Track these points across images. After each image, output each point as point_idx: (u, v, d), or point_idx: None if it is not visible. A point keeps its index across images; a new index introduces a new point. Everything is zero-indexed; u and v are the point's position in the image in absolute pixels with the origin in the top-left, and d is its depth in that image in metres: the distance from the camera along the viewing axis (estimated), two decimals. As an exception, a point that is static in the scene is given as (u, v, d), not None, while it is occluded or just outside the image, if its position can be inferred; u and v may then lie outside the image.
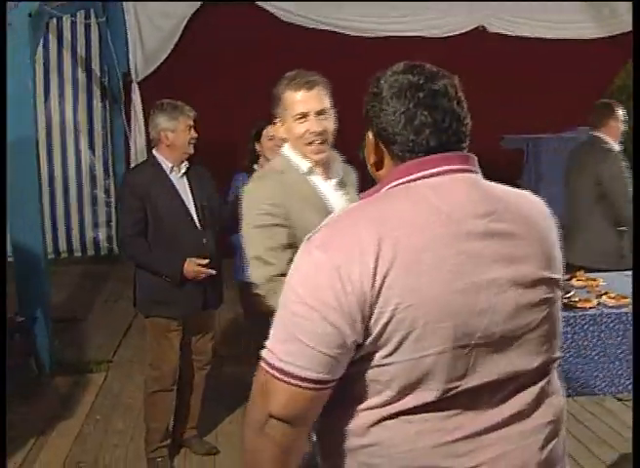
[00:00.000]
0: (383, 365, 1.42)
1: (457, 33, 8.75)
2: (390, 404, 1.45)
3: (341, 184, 2.81)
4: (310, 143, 2.68)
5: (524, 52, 8.63)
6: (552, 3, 8.90)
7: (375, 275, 1.36)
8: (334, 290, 1.38)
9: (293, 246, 2.46)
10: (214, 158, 4.91)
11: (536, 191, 1.68)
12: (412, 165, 1.50)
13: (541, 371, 1.53)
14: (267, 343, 1.48)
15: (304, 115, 2.68)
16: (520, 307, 1.47)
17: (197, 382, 4.22)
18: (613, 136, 5.19)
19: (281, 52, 8.21)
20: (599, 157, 5.18)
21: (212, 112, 7.82)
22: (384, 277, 1.36)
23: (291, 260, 1.51)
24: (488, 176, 1.56)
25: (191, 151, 3.98)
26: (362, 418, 1.48)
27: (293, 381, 1.42)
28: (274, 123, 2.83)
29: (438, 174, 1.49)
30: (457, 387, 1.43)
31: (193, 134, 3.95)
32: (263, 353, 1.48)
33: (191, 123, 3.95)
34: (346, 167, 2.93)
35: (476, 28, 8.88)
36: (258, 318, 4.48)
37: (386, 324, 1.38)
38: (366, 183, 4.87)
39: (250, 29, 8.18)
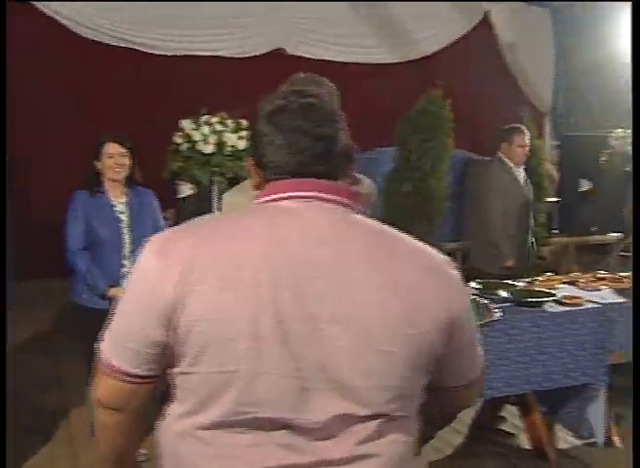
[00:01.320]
0: (187, 373, 1.43)
1: (255, 54, 8.82)
2: (190, 415, 1.46)
3: None
4: None
5: (323, 75, 8.80)
6: (349, 28, 9.21)
7: (181, 283, 1.38)
8: (146, 291, 1.42)
9: None
10: None
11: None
12: (272, 186, 1.51)
13: (369, 422, 1.45)
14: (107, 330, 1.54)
15: None
16: (339, 349, 1.39)
17: None
18: (508, 157, 5.86)
19: (84, 69, 7.93)
20: (483, 172, 5.95)
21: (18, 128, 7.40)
22: (191, 287, 1.38)
23: None
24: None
25: None
26: (172, 425, 1.50)
27: (109, 371, 1.49)
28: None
29: (289, 198, 1.48)
30: (253, 413, 1.41)
31: None
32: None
33: None
34: (364, 183, 2.67)
35: (275, 50, 8.99)
36: (92, 341, 4.32)
37: (186, 334, 1.39)
38: (163, 202, 4.79)
39: (50, 46, 7.82)
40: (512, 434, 4.76)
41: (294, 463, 1.42)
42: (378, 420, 1.45)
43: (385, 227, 1.56)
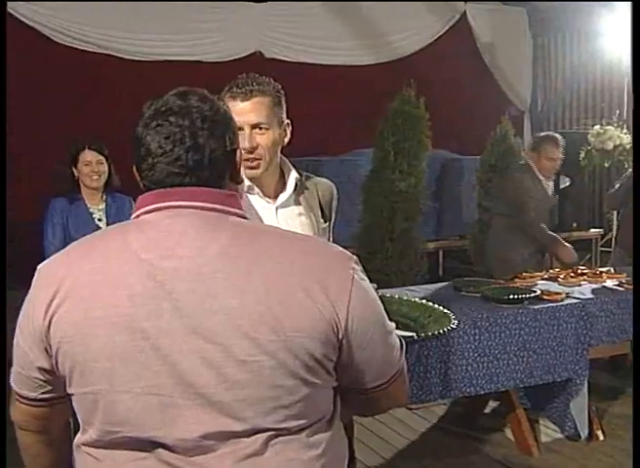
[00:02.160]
0: (71, 394, 1.45)
1: (233, 58, 8.79)
2: (81, 433, 1.48)
3: (289, 204, 2.48)
4: (246, 160, 2.34)
5: (301, 77, 8.83)
6: (325, 30, 9.22)
7: (49, 307, 1.39)
8: (26, 316, 1.45)
9: None
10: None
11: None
12: (140, 200, 1.48)
13: (250, 438, 1.39)
14: None
15: (239, 129, 2.34)
16: (201, 363, 1.34)
17: None
18: (536, 165, 5.62)
19: (58, 75, 7.87)
20: (511, 177, 5.81)
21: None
22: (56, 310, 1.39)
23: None
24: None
25: None
26: (75, 440, 1.51)
27: (15, 395, 1.54)
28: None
29: (154, 210, 1.44)
30: (122, 432, 1.39)
31: None
32: None
33: None
34: (319, 185, 2.61)
35: (253, 53, 8.97)
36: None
37: (57, 355, 1.41)
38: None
39: (23, 52, 7.75)
40: (498, 430, 4.76)
41: None
42: (261, 435, 1.39)
43: (269, 228, 1.53)
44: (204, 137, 1.44)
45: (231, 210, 1.46)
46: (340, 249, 1.49)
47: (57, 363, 1.41)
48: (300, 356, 1.36)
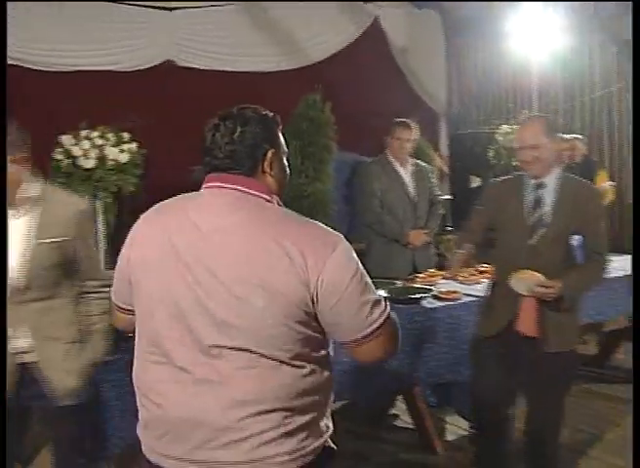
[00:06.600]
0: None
1: (144, 67, 8.68)
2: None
3: None
4: None
5: (213, 85, 8.76)
6: (236, 37, 9.17)
7: (129, 246, 2.07)
8: (121, 254, 2.11)
9: None
10: None
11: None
12: (205, 178, 2.05)
13: (237, 355, 1.86)
14: None
15: None
16: (213, 291, 1.86)
17: None
18: (391, 153, 5.77)
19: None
20: (362, 172, 5.97)
21: None
22: (132, 249, 2.05)
23: None
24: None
25: None
26: None
27: (114, 304, 2.24)
28: None
29: (207, 187, 2.03)
30: (157, 335, 1.95)
31: None
32: None
33: None
34: None
35: (164, 62, 8.88)
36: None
37: (130, 278, 2.04)
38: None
39: None
40: (405, 429, 4.77)
41: (175, 380, 1.93)
42: (247, 354, 1.86)
43: (280, 209, 2.00)
44: (238, 135, 2.00)
45: (252, 192, 1.98)
46: (331, 231, 1.95)
47: (131, 283, 2.04)
48: (281, 305, 1.84)
